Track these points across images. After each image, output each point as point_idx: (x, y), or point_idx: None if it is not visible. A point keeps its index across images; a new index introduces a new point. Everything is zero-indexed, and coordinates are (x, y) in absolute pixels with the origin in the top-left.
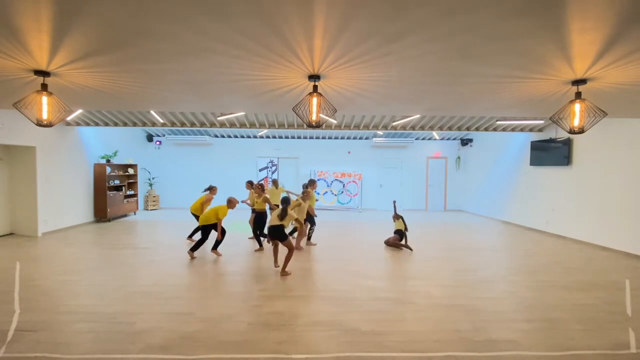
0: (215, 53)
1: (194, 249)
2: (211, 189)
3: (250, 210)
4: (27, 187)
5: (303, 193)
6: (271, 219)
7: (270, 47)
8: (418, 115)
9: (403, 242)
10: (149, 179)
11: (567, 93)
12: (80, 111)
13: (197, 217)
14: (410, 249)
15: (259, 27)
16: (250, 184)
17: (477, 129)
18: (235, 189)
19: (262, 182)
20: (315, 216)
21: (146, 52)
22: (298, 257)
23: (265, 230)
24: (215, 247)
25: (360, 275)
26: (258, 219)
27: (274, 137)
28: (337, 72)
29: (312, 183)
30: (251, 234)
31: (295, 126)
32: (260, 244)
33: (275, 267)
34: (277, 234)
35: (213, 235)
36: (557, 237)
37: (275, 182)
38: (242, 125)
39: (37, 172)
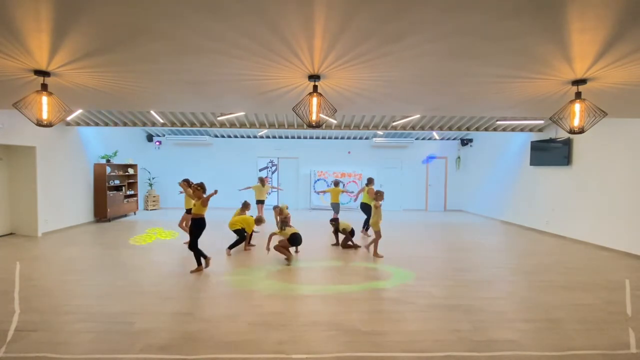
0: (215, 53)
1: (231, 246)
2: (245, 205)
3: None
4: (27, 187)
5: (376, 194)
6: (287, 231)
7: (270, 47)
8: (418, 115)
9: (350, 242)
10: (149, 179)
11: (567, 93)
12: (80, 111)
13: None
14: (357, 246)
15: (259, 27)
16: (186, 182)
17: (477, 129)
18: (236, 189)
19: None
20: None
21: (146, 52)
22: (298, 257)
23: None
24: (231, 247)
25: (360, 275)
26: (196, 227)
27: (274, 137)
28: (337, 72)
29: (371, 181)
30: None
31: (295, 126)
32: (200, 263)
33: (288, 263)
34: (300, 239)
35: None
36: (557, 237)
37: (262, 180)
38: (242, 125)
39: (37, 172)
